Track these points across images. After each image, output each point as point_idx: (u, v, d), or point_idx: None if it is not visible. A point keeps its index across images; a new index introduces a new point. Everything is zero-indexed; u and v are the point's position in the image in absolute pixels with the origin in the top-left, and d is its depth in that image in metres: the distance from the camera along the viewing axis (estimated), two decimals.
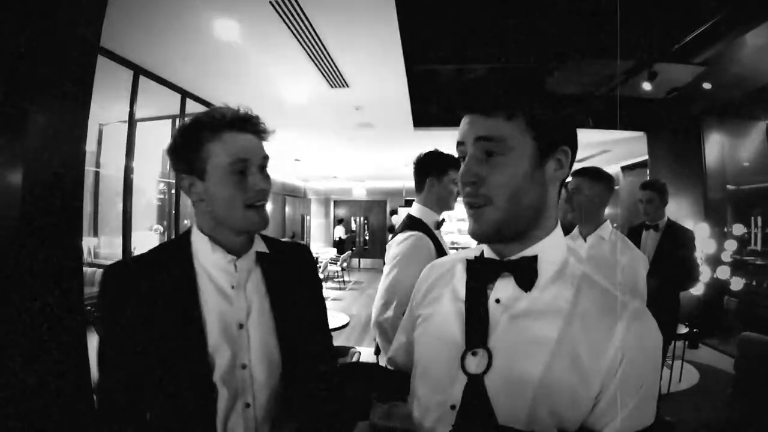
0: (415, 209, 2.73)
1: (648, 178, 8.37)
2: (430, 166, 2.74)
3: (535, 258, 1.02)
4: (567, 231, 3.00)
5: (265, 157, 1.41)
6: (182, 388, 1.30)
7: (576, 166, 2.92)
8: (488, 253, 1.09)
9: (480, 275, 1.07)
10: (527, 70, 6.55)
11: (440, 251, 2.59)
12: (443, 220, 2.78)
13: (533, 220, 1.03)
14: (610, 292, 1.01)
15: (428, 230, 2.65)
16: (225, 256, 1.41)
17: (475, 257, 1.11)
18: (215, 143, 1.33)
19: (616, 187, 12.14)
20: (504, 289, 1.03)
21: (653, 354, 0.96)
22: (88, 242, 7.33)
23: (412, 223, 2.68)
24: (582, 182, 2.80)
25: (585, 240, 2.86)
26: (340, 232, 18.93)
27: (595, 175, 2.81)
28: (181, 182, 1.40)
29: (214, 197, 1.36)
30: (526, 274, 1.01)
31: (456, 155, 1.07)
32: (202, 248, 1.41)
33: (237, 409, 1.34)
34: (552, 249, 1.05)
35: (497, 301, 1.03)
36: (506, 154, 0.97)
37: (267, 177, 1.41)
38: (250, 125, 1.38)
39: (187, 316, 1.33)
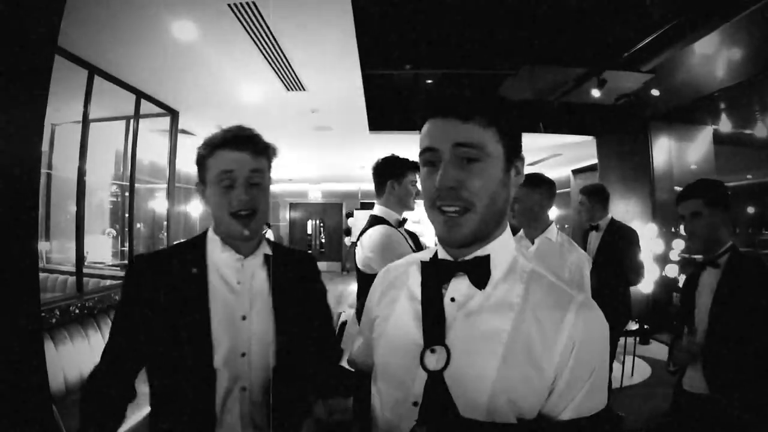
0: (377, 210, 2.86)
1: (598, 181, 8.61)
2: (389, 171, 2.87)
3: (487, 257, 1.07)
4: (513, 233, 3.12)
5: (254, 170, 1.58)
6: (186, 369, 1.47)
7: (528, 170, 3.02)
8: (442, 254, 1.13)
9: (435, 276, 1.12)
10: (480, 77, 6.66)
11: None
12: (405, 219, 2.89)
13: (497, 224, 1.08)
14: (557, 285, 1.06)
15: (388, 224, 2.80)
16: (233, 255, 1.61)
17: (430, 259, 1.16)
18: (211, 158, 1.58)
19: (567, 190, 12.39)
20: (458, 288, 1.08)
21: (601, 342, 1.02)
22: (40, 246, 7.09)
23: (377, 220, 2.82)
24: (522, 190, 2.88)
25: (532, 242, 2.96)
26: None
27: (533, 181, 2.92)
28: (198, 188, 1.66)
29: (210, 203, 1.60)
30: (480, 273, 1.06)
31: (415, 159, 1.10)
32: (215, 247, 1.63)
33: (235, 391, 1.51)
34: (503, 248, 1.10)
35: (452, 299, 1.08)
36: (485, 161, 1.01)
37: (255, 191, 1.58)
38: (240, 143, 1.57)
39: (196, 306, 1.52)
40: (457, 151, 1.00)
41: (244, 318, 1.55)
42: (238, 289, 1.58)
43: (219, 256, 1.61)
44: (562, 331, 0.98)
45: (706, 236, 2.41)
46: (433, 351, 1.03)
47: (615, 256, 4.27)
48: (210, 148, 1.57)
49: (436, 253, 1.16)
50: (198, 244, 1.65)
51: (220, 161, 1.55)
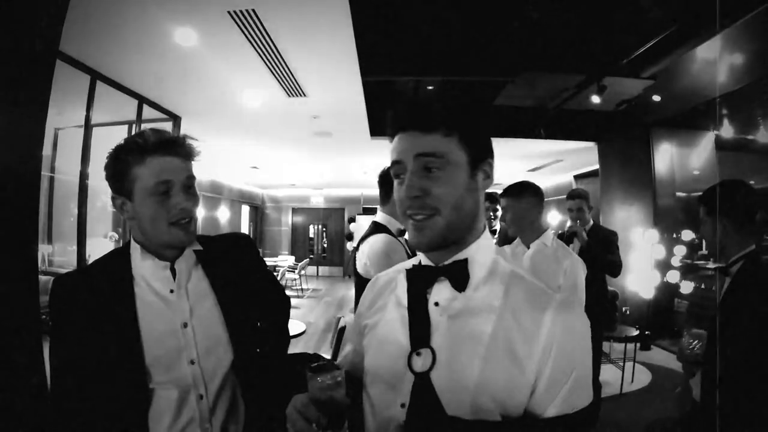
0: (380, 217, 2.87)
1: (600, 187, 8.62)
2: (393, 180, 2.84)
3: (466, 261, 1.10)
4: (510, 242, 3.18)
5: (190, 177, 1.50)
6: (120, 389, 1.40)
7: (529, 176, 3.03)
8: (425, 261, 1.16)
9: (419, 282, 1.15)
10: (480, 84, 6.67)
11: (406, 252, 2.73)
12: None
13: (468, 227, 1.11)
14: (536, 286, 1.09)
15: (388, 230, 2.81)
16: (158, 263, 1.51)
17: (414, 266, 1.19)
18: (140, 167, 1.43)
19: None
20: (441, 292, 1.11)
21: (581, 340, 1.04)
22: (42, 249, 7.15)
23: (378, 228, 2.83)
24: (508, 201, 2.96)
25: (528, 248, 2.98)
26: None
27: (517, 191, 2.96)
28: (114, 202, 1.51)
29: (141, 216, 1.46)
30: (459, 277, 1.10)
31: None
32: (137, 257, 1.52)
33: (190, 402, 1.45)
34: (481, 251, 1.13)
35: (436, 304, 1.11)
36: (445, 168, 1.05)
37: (192, 196, 1.51)
38: (173, 148, 1.47)
39: (123, 323, 1.42)
40: (419, 161, 1.06)
41: (185, 326, 1.48)
42: (171, 299, 1.50)
43: (143, 265, 1.50)
44: (541, 330, 1.00)
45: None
46: (419, 354, 1.07)
47: (600, 257, 4.28)
48: (138, 156, 1.42)
49: (420, 260, 1.19)
50: (122, 255, 1.54)
51: (155, 169, 1.42)
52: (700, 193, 2.36)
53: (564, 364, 1.00)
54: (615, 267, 4.42)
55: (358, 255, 2.86)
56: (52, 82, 2.55)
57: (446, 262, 1.11)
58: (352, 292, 3.01)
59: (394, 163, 1.11)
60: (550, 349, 0.99)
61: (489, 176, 1.13)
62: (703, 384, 2.19)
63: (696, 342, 2.28)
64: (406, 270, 1.20)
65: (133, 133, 6.34)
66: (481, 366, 1.00)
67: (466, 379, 1.01)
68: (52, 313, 1.46)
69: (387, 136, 1.14)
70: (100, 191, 7.61)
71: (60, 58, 4.29)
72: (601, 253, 4.26)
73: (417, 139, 1.07)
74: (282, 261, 15.79)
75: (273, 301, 1.87)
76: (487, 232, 1.17)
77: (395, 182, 1.13)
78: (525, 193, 2.94)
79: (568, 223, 4.33)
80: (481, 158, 1.11)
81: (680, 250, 7.41)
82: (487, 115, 7.14)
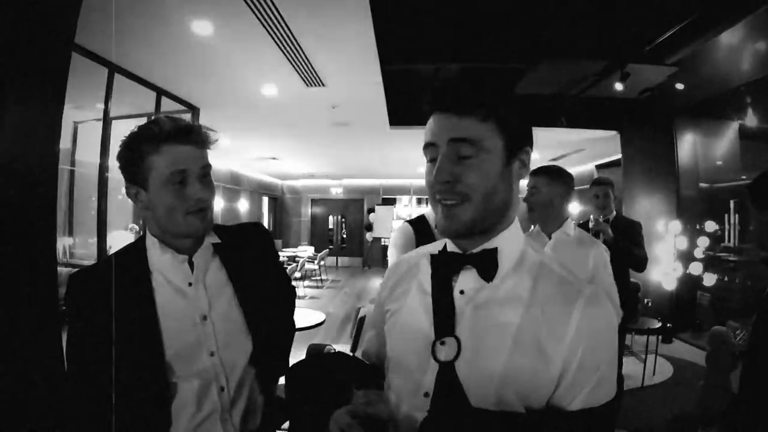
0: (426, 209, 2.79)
1: (622, 177, 8.51)
2: None
3: (495, 250, 1.07)
4: (525, 229, 3.02)
5: (206, 166, 1.46)
6: (142, 383, 1.39)
7: (549, 165, 2.88)
8: (451, 247, 1.13)
9: (444, 269, 1.12)
10: (501, 71, 6.59)
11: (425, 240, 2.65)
12: None
13: (500, 216, 1.07)
14: (566, 278, 1.06)
15: (423, 224, 2.66)
16: (176, 257, 1.48)
17: (439, 252, 1.16)
18: (155, 156, 1.38)
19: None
20: (467, 280, 1.08)
21: (609, 335, 1.01)
22: (63, 242, 7.25)
23: (412, 219, 2.73)
24: (540, 181, 2.74)
25: (549, 238, 2.80)
26: None
27: (554, 173, 2.75)
28: (128, 191, 1.47)
29: (156, 206, 1.42)
30: (487, 266, 1.06)
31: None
32: (155, 251, 1.49)
33: (212, 394, 1.44)
34: (511, 241, 1.10)
35: (461, 292, 1.08)
36: (480, 155, 1.01)
37: (208, 185, 1.47)
38: (189, 136, 1.42)
39: (143, 318, 1.41)
40: (452, 146, 1.02)
41: (204, 318, 1.47)
42: (190, 292, 1.48)
43: (161, 259, 1.48)
44: (570, 324, 0.98)
45: None
46: (443, 343, 1.05)
47: (627, 252, 4.18)
48: (153, 144, 1.38)
49: (445, 246, 1.16)
50: (138, 250, 1.52)
51: (170, 158, 1.38)
52: (725, 184, 2.26)
53: (591, 359, 0.97)
54: (641, 262, 4.33)
55: None
56: (68, 74, 2.55)
57: (474, 251, 1.09)
58: (371, 283, 2.99)
59: (428, 144, 1.07)
60: (578, 343, 0.97)
61: (525, 165, 1.10)
62: (743, 376, 2.13)
63: (741, 332, 2.19)
64: (431, 255, 1.17)
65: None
66: (508, 357, 0.98)
67: (492, 369, 0.99)
68: (68, 311, 1.45)
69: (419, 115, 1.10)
70: (120, 184, 7.67)
71: (77, 51, 4.32)
72: (628, 248, 4.16)
73: (452, 121, 1.02)
74: (301, 251, 15.85)
75: (285, 290, 1.86)
76: (516, 222, 1.13)
77: (427, 165, 1.08)
78: (562, 177, 2.75)
79: (592, 216, 4.24)
80: (519, 146, 1.07)
81: (703, 242, 7.29)
82: (526, 101, 7.04)
